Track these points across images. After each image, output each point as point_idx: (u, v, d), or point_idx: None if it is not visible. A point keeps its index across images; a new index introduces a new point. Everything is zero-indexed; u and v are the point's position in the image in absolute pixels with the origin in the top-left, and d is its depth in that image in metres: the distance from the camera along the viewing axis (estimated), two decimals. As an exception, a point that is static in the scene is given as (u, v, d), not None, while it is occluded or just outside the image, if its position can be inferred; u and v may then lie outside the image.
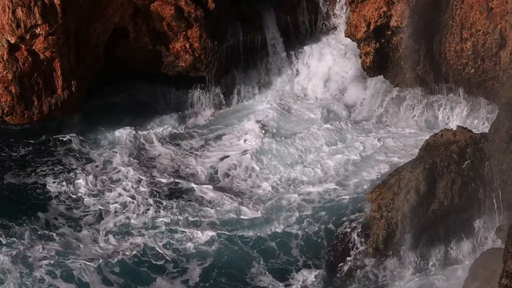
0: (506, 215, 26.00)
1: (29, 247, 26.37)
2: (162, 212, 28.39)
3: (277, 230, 27.72)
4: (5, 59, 30.20)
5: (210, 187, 29.82)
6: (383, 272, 26.02)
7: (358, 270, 26.11)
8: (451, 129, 27.96)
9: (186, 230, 27.51)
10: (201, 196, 29.36)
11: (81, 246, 26.89)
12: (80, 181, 29.62)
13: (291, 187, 29.88)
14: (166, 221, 27.95)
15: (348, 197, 29.04)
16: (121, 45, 33.34)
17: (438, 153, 26.28)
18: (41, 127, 31.91)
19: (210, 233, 27.27)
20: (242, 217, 28.34)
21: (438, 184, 25.77)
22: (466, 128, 28.23)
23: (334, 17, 35.59)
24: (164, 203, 28.81)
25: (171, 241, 27.12)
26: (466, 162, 26.17)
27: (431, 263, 26.19)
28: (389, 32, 32.04)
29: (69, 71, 31.21)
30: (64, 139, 31.90)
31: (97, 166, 30.76)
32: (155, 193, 29.33)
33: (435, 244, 26.30)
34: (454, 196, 25.72)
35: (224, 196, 29.24)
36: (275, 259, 26.81)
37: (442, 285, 25.65)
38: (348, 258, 26.44)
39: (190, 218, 28.10)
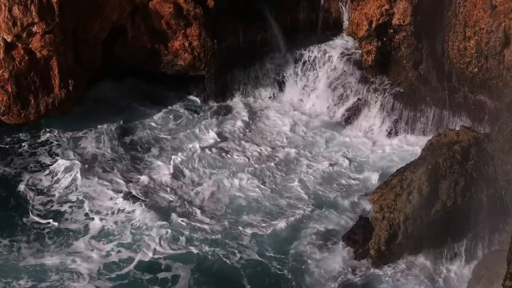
0: (510, 216, 25.71)
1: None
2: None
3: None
4: (1, 58, 29.94)
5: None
6: (385, 274, 25.83)
7: (359, 273, 25.92)
8: (454, 129, 27.72)
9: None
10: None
11: (72, 252, 26.64)
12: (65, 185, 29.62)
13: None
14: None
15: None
16: (119, 44, 33.10)
17: (441, 153, 26.03)
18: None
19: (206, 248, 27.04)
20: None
21: (441, 185, 25.53)
22: (470, 128, 28.00)
23: (336, 15, 35.28)
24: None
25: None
26: (469, 163, 25.91)
27: (434, 264, 25.96)
28: (391, 31, 31.83)
29: (67, 70, 30.98)
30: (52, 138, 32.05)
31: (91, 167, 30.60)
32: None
33: (438, 245, 26.02)
34: (457, 197, 25.47)
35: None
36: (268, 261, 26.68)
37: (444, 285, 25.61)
38: (349, 260, 26.31)
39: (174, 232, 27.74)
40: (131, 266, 26.07)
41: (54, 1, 29.76)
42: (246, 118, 33.66)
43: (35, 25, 29.75)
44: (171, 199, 29.14)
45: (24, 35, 29.86)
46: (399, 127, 32.16)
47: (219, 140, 32.29)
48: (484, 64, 30.13)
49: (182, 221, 27.87)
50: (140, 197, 29.05)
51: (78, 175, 29.67)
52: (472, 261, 25.83)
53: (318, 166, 30.92)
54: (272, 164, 31.02)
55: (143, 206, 28.50)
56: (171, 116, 33.54)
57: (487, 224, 25.82)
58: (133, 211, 28.34)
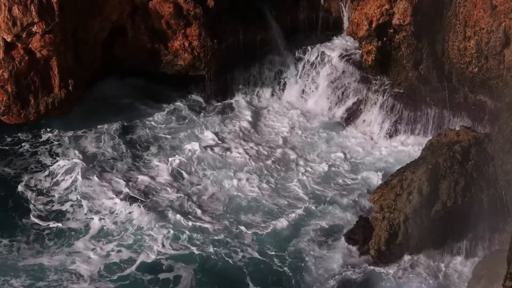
0: (510, 216, 25.67)
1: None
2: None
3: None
4: (1, 58, 29.88)
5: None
6: (386, 272, 25.81)
7: (359, 270, 25.91)
8: (454, 129, 27.68)
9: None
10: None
11: (73, 253, 26.60)
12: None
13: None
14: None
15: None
16: (119, 44, 33.07)
17: (441, 153, 26.00)
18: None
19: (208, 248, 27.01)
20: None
21: (441, 185, 25.50)
22: (470, 128, 27.95)
23: (336, 15, 35.22)
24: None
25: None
26: (469, 163, 25.87)
27: (434, 264, 25.94)
28: (391, 30, 31.80)
29: (66, 70, 30.94)
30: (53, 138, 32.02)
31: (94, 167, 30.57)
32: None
33: (438, 245, 26.00)
34: (457, 197, 25.44)
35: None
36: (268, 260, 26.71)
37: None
38: (349, 257, 26.36)
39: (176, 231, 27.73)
40: (133, 267, 26.03)
41: (54, 1, 29.73)
42: (246, 118, 33.61)
43: (35, 25, 29.72)
44: (171, 198, 29.10)
45: (24, 35, 29.83)
46: (399, 127, 32.10)
47: (219, 139, 32.22)
48: (484, 64, 30.10)
49: (182, 220, 27.85)
50: (140, 197, 28.98)
51: (79, 176, 29.61)
52: (472, 260, 25.78)
53: (317, 166, 30.89)
54: (272, 164, 30.97)
55: (143, 207, 28.40)
56: (172, 116, 33.55)
57: (487, 224, 25.80)
58: (133, 211, 28.25)
